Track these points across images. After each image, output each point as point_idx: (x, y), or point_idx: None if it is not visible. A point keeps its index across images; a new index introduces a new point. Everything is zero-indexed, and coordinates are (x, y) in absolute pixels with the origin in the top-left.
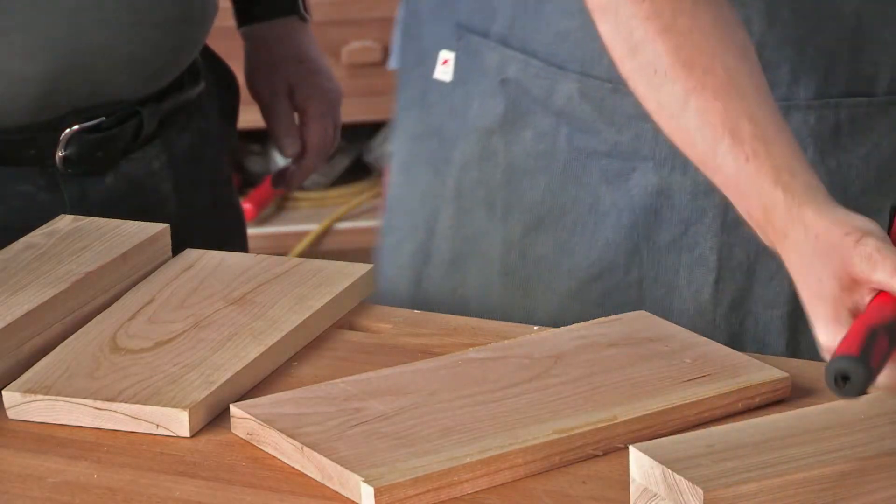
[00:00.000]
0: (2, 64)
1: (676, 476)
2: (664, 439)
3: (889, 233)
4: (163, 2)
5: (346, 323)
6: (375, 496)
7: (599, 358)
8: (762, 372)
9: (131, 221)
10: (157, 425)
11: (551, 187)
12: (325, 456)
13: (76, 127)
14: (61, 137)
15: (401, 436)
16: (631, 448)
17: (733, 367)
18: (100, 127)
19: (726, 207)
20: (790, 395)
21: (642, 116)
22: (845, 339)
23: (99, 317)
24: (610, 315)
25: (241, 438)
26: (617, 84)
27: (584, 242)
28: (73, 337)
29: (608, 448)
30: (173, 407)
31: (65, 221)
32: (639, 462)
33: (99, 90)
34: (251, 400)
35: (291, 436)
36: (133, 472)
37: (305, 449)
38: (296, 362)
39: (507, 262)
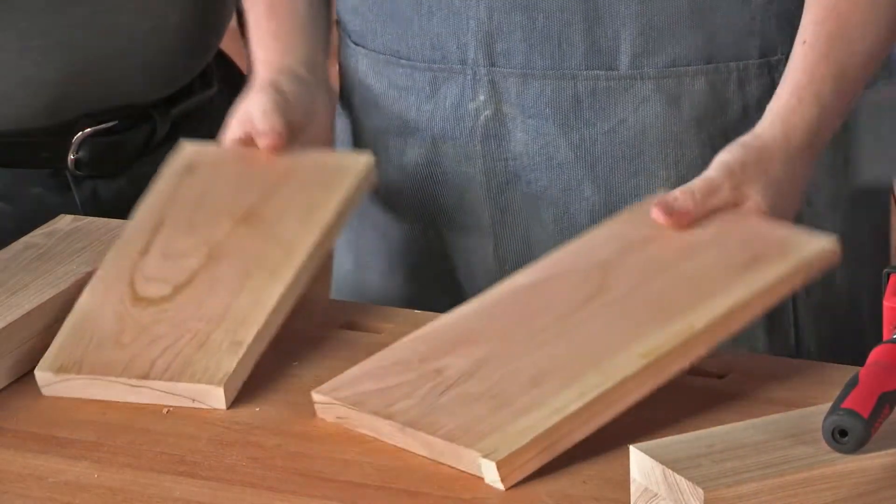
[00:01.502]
0: (18, 67)
1: (677, 476)
2: (665, 439)
3: (884, 296)
4: (178, 7)
5: (347, 323)
6: (498, 469)
7: (645, 259)
8: (811, 242)
9: (131, 222)
10: (193, 399)
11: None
12: (431, 434)
13: (89, 130)
14: (74, 140)
15: (493, 394)
16: (631, 448)
17: (779, 242)
18: (113, 130)
19: (489, 175)
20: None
21: (407, 89)
22: (855, 396)
23: (111, 252)
24: None
25: (242, 438)
26: (390, 56)
27: (394, 219)
28: (90, 285)
29: (695, 361)
30: (207, 383)
31: (65, 221)
32: (639, 462)
33: (113, 94)
34: (329, 383)
35: (387, 416)
36: (133, 472)
37: (407, 429)
38: (296, 362)
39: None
